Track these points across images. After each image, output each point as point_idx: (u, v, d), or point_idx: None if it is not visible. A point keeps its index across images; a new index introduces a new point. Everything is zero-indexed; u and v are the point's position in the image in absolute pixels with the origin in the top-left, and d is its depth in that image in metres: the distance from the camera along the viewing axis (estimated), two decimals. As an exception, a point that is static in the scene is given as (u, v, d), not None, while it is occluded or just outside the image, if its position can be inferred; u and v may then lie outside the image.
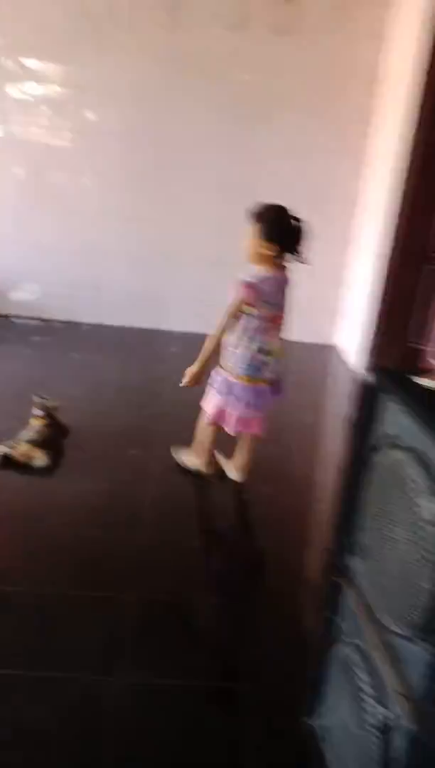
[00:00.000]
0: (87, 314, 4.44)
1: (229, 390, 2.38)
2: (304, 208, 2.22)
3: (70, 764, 1.37)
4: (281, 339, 2.39)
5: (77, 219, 4.26)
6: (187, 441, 2.88)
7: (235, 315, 2.29)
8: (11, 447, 2.52)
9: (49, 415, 2.69)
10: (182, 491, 2.52)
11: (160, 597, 1.89)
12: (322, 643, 1.33)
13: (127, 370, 3.74)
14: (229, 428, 2.45)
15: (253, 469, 2.61)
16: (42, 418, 2.65)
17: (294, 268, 2.33)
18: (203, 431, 2.55)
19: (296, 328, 2.63)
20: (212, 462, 2.62)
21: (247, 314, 2.28)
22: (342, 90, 4.03)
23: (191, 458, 2.62)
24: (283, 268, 2.30)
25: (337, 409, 3.46)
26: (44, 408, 2.69)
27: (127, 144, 4.12)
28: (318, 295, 4.19)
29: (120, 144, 4.13)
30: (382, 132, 3.95)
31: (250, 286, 2.23)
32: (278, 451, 2.87)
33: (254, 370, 2.35)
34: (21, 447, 2.52)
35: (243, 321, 2.29)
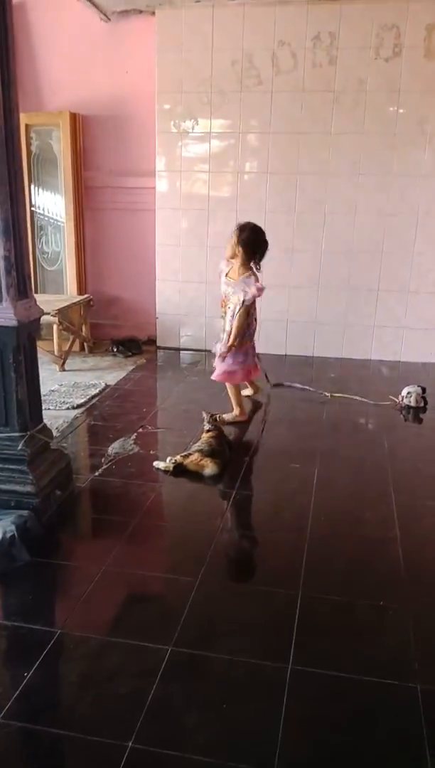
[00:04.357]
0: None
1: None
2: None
3: (253, 730, 1.48)
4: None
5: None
6: (344, 458, 2.97)
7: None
8: (183, 457, 2.78)
9: (217, 429, 2.92)
10: (345, 500, 2.60)
11: (323, 595, 1.97)
12: None
13: (283, 394, 3.89)
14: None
15: (417, 484, 2.66)
16: (211, 431, 2.89)
17: None
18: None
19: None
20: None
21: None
22: None
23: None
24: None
25: None
26: (213, 423, 2.93)
27: (285, 182, 4.42)
28: None
29: (279, 183, 4.43)
30: None
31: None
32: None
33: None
34: (192, 456, 2.77)
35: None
